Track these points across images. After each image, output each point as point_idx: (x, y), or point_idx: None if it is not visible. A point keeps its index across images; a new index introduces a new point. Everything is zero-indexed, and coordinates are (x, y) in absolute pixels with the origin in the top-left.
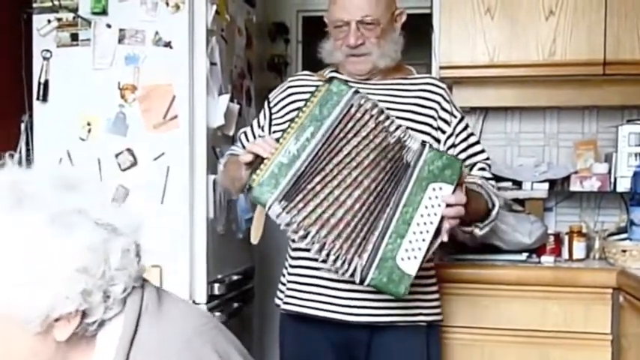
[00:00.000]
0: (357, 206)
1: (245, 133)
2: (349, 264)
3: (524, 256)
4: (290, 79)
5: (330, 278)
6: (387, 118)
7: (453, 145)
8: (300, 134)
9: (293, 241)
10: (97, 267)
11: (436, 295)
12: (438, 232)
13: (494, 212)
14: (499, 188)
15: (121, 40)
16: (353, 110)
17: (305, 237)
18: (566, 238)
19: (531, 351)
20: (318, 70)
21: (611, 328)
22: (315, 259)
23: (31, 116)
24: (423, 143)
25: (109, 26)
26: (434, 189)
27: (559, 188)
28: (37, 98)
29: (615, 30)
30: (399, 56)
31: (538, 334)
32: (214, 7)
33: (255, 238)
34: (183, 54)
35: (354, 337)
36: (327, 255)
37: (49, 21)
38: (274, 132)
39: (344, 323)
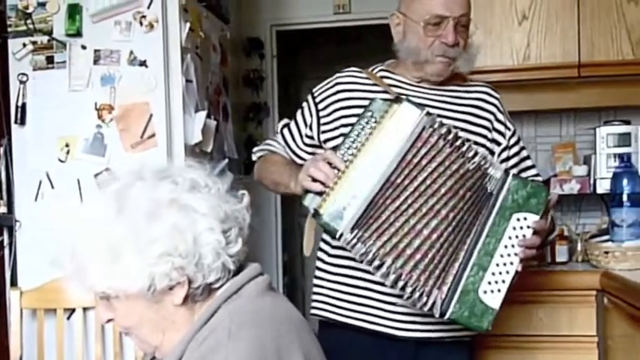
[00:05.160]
0: (434, 236)
1: (290, 129)
2: (428, 296)
3: None
4: (337, 75)
5: (378, 290)
6: (463, 143)
7: (507, 159)
8: (371, 158)
9: (331, 247)
10: (184, 244)
11: None
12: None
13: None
14: None
15: (96, 61)
16: (425, 134)
17: (379, 267)
18: None
19: (517, 356)
20: (293, 84)
21: (596, 330)
22: (361, 269)
23: (9, 139)
24: (507, 171)
25: (83, 47)
26: (518, 219)
27: None
28: (15, 122)
29: (589, 32)
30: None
31: (524, 339)
32: (188, 25)
33: (307, 250)
34: (159, 72)
35: (397, 351)
36: (404, 287)
37: (24, 44)
38: (322, 132)
39: (389, 337)
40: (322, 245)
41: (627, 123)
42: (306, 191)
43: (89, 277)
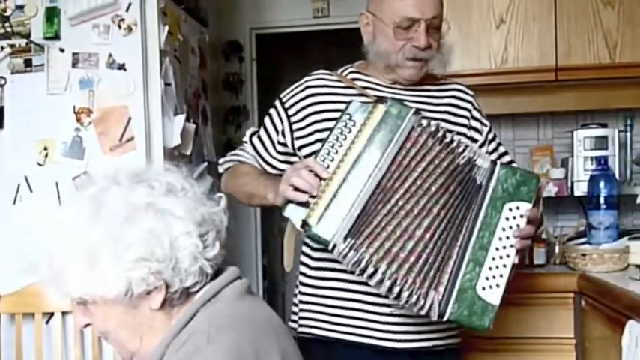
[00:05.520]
0: (427, 236)
1: (260, 137)
2: (425, 299)
3: None
4: (306, 78)
5: (368, 301)
6: (452, 140)
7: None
8: (359, 163)
9: (312, 259)
10: (160, 249)
11: None
12: None
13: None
14: None
15: (74, 64)
16: (415, 134)
17: (374, 274)
18: None
19: (496, 358)
20: (273, 87)
21: (574, 332)
22: (348, 280)
23: None
24: (494, 161)
25: (62, 51)
26: (510, 209)
27: None
28: None
29: (566, 35)
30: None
31: (502, 342)
32: (167, 28)
33: (288, 265)
34: (138, 75)
35: None
36: (400, 292)
37: (2, 48)
38: (296, 139)
39: (382, 349)
40: (303, 258)
41: (604, 126)
42: (287, 202)
43: (66, 283)
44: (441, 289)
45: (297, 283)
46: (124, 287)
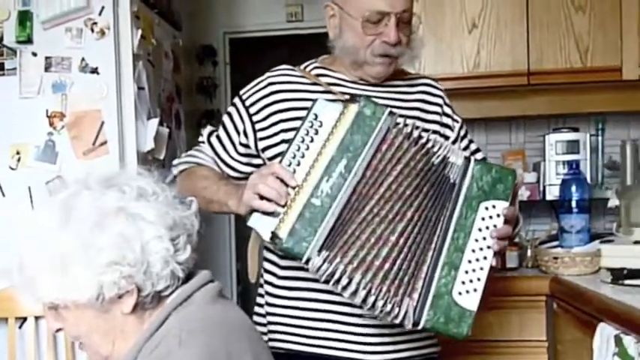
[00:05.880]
0: (401, 241)
1: (219, 137)
2: (399, 307)
3: None
4: (268, 75)
5: (341, 312)
6: (428, 140)
7: None
8: (332, 169)
9: (280, 267)
10: (132, 253)
11: None
12: None
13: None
14: None
15: (47, 68)
16: (390, 136)
17: (348, 285)
18: None
19: None
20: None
21: (546, 335)
22: (319, 290)
23: None
24: (468, 157)
25: (34, 54)
26: (486, 208)
27: None
28: None
29: (538, 40)
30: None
31: (474, 344)
32: (140, 32)
33: (252, 275)
34: (111, 79)
35: None
36: (375, 301)
37: None
38: (260, 139)
39: None
40: (269, 267)
41: (575, 130)
42: (252, 210)
43: (37, 288)
44: (415, 295)
45: (263, 292)
46: (95, 291)
